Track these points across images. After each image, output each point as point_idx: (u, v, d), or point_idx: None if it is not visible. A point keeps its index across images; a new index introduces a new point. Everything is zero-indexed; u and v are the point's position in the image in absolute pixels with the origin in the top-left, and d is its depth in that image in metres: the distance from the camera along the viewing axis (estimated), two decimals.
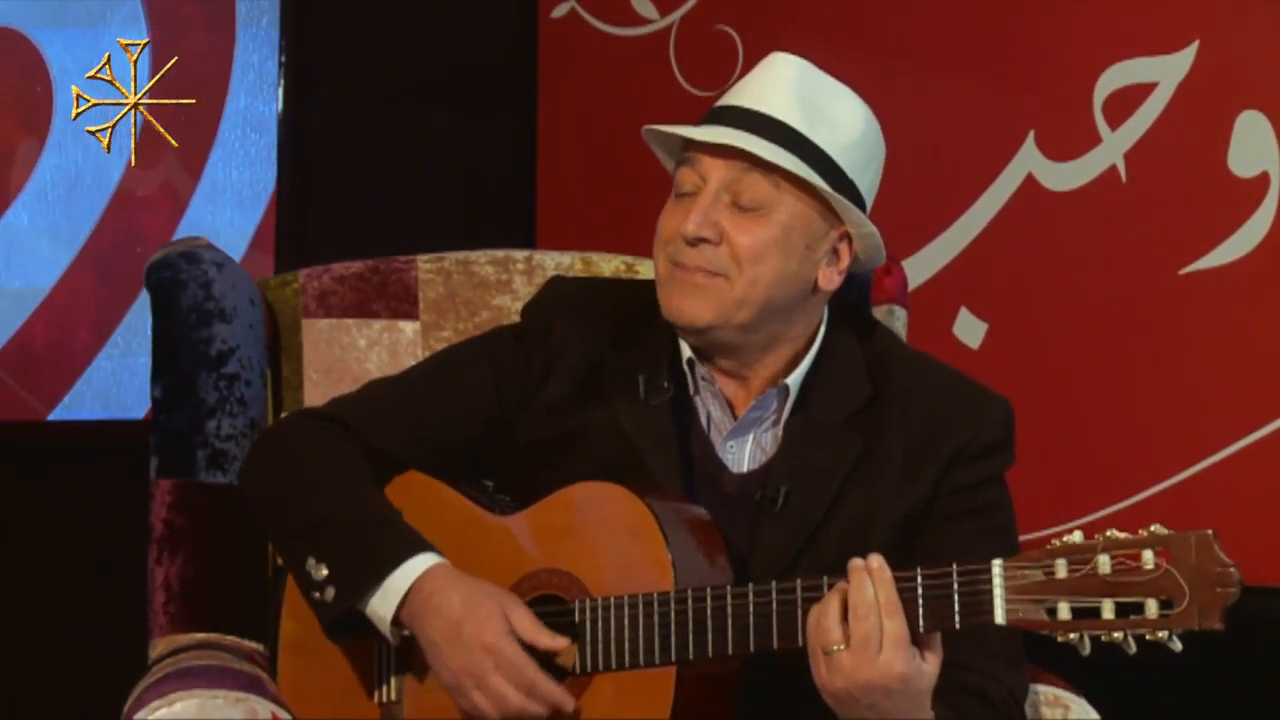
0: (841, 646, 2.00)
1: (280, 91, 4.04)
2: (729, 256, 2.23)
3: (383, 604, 2.19)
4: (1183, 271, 3.53)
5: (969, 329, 3.72)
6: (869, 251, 2.29)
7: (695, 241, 2.22)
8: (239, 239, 4.05)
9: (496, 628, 2.15)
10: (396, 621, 2.20)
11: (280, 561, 2.60)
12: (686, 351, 2.31)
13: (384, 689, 2.30)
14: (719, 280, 2.23)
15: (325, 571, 2.21)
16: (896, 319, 2.67)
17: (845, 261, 2.29)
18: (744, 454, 2.30)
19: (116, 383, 4.08)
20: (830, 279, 2.28)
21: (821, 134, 2.24)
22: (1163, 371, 3.54)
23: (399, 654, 2.29)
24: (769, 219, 2.23)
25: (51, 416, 4.05)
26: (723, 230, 2.23)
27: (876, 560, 2.02)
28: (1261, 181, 3.48)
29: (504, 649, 2.15)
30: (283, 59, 4.04)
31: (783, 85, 2.25)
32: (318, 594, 2.22)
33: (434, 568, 2.20)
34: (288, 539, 2.29)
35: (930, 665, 2.02)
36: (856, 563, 2.03)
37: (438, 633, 2.17)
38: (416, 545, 2.22)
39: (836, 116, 2.26)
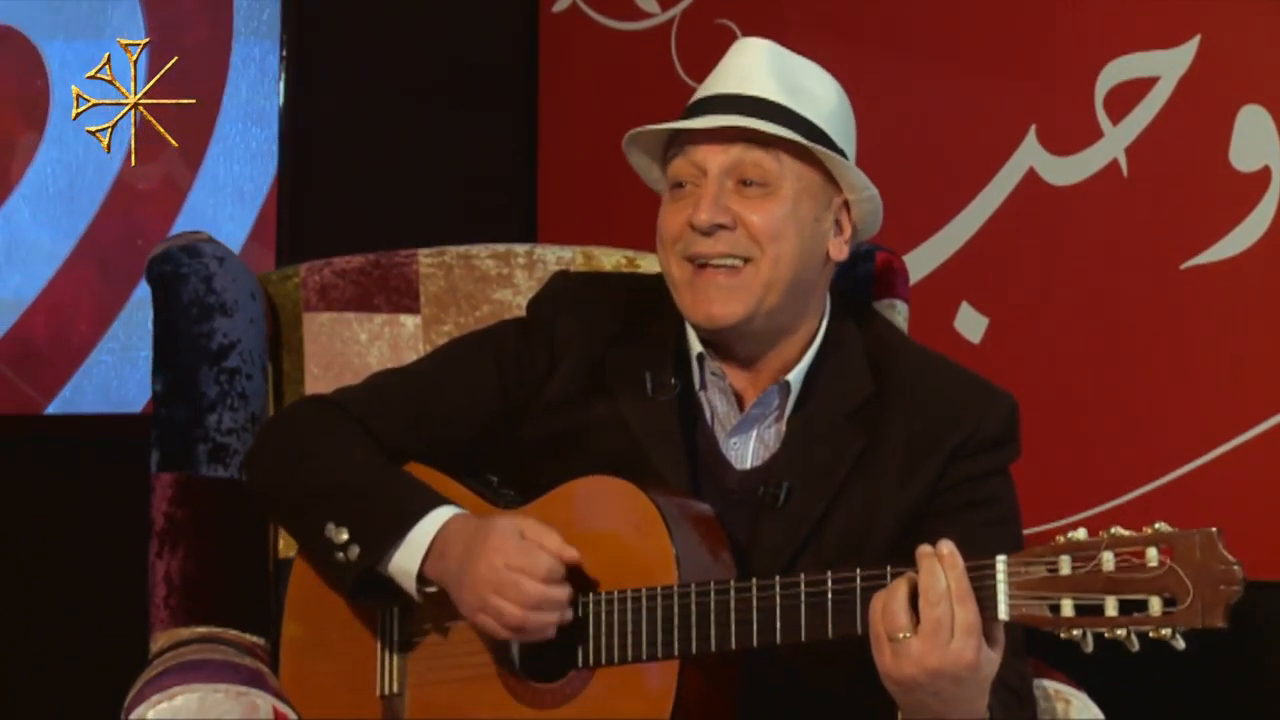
0: (908, 634, 2.00)
1: (281, 86, 4.04)
2: (747, 238, 2.23)
3: (407, 558, 2.20)
4: (1184, 266, 3.53)
5: (970, 323, 3.72)
6: (866, 219, 2.30)
7: (711, 230, 2.22)
8: (240, 233, 4.05)
9: (514, 544, 2.15)
10: (421, 577, 2.20)
11: (282, 555, 2.61)
12: (697, 346, 2.31)
13: (386, 682, 2.30)
14: (746, 269, 2.23)
15: (346, 534, 2.22)
16: (898, 313, 2.67)
17: (848, 231, 2.30)
18: (747, 450, 2.30)
19: (117, 375, 4.08)
20: (839, 249, 2.29)
21: (806, 107, 2.25)
22: (1164, 366, 3.54)
23: (401, 646, 2.30)
24: (778, 195, 2.24)
25: (50, 409, 4.05)
26: (735, 214, 2.23)
27: (947, 546, 2.01)
28: (1263, 176, 3.48)
29: (528, 558, 2.14)
30: (283, 53, 4.04)
31: (759, 66, 2.26)
32: (341, 554, 2.22)
33: (455, 518, 2.21)
34: (302, 509, 2.29)
35: (995, 653, 2.01)
36: (925, 549, 2.01)
37: (454, 560, 2.17)
38: (434, 499, 2.23)
39: (814, 90, 2.27)
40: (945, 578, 1.99)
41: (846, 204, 2.29)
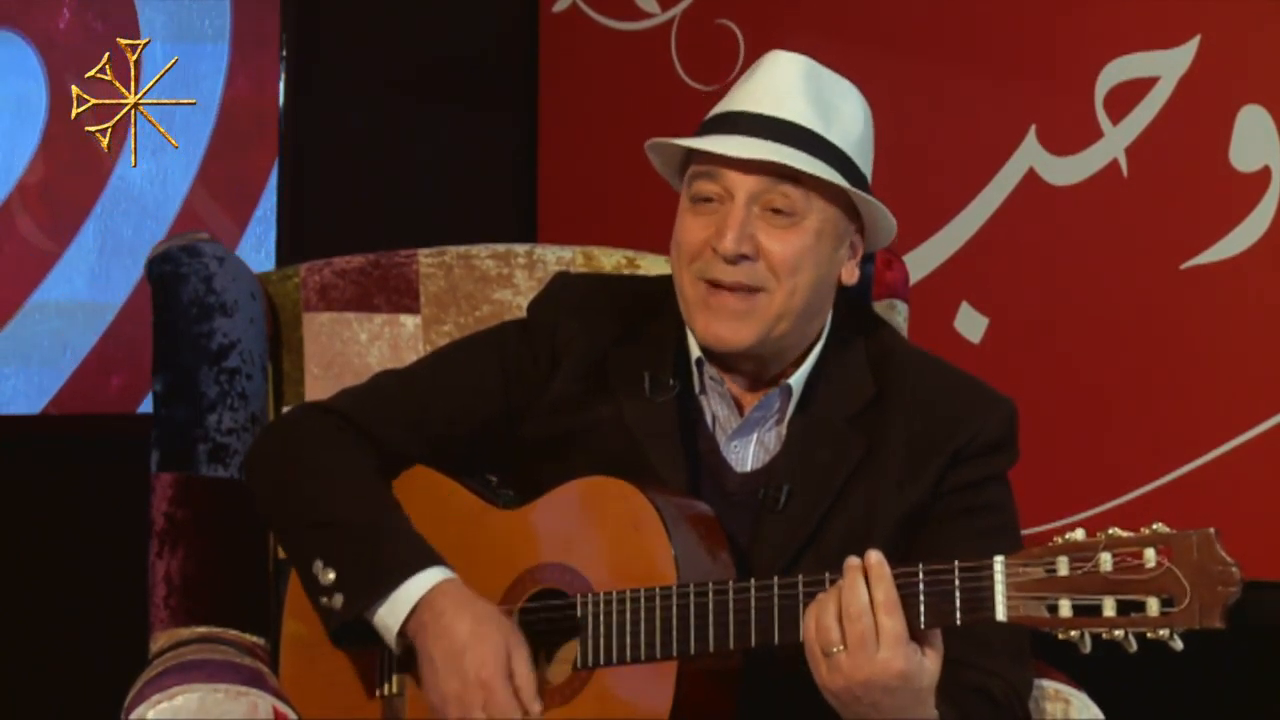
0: (841, 647, 2.00)
1: (281, 85, 4.04)
2: (766, 269, 2.21)
3: (390, 614, 2.19)
4: (1184, 266, 3.53)
5: (970, 323, 3.72)
6: (876, 240, 2.31)
7: (735, 259, 2.21)
8: (239, 232, 4.05)
9: (496, 665, 2.15)
10: (402, 632, 2.20)
11: (282, 555, 2.60)
12: (695, 351, 2.31)
13: (386, 683, 2.30)
14: (759, 297, 2.22)
15: (333, 576, 2.21)
16: (898, 314, 2.67)
17: (859, 254, 2.30)
18: (747, 453, 2.30)
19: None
20: (851, 274, 2.30)
21: (837, 133, 2.23)
22: (1164, 366, 3.54)
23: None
24: (802, 227, 2.22)
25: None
26: (759, 245, 2.21)
27: (875, 556, 2.02)
28: (1263, 176, 3.48)
29: (497, 689, 2.15)
30: (283, 52, 4.04)
31: (794, 86, 2.24)
32: (325, 599, 2.22)
33: (444, 583, 2.19)
34: (294, 538, 2.29)
35: (931, 662, 2.01)
36: (852, 561, 2.02)
37: (439, 653, 2.17)
38: (426, 557, 2.21)
39: (844, 112, 2.25)
40: (868, 590, 2.00)
41: (861, 229, 2.29)
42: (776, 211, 2.21)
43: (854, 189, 2.22)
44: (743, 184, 2.21)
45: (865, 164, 2.26)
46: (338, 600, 2.21)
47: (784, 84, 2.24)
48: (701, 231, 2.23)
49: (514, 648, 2.17)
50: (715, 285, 2.22)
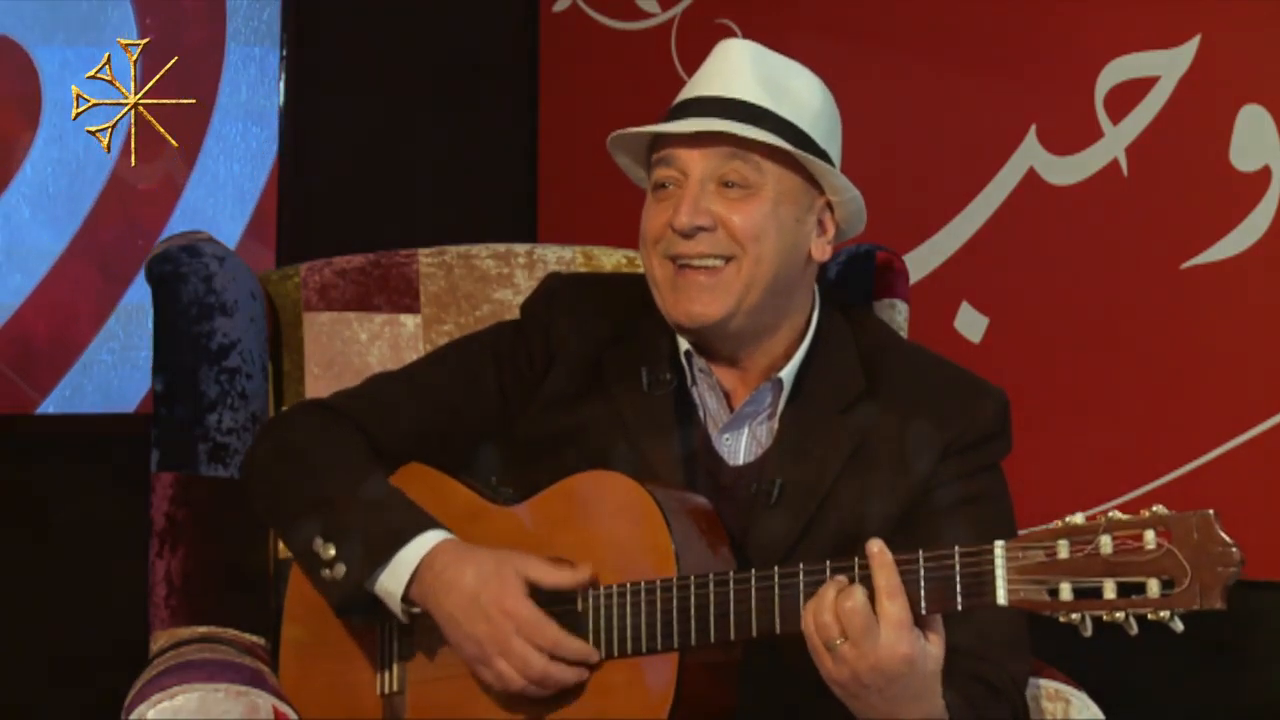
0: (842, 639, 2.00)
1: (281, 85, 4.04)
2: (728, 238, 2.24)
3: (392, 580, 2.20)
4: (1184, 266, 3.53)
5: (970, 323, 3.72)
6: (850, 219, 2.32)
7: (692, 232, 2.23)
8: (239, 233, 4.05)
9: (514, 592, 2.16)
10: (406, 599, 2.20)
11: (282, 555, 2.61)
12: (684, 344, 2.32)
13: (386, 681, 2.30)
14: (727, 269, 2.24)
15: (333, 550, 2.22)
16: (898, 313, 2.68)
17: (831, 231, 2.31)
18: (740, 446, 2.31)
19: (118, 375, 4.08)
20: (822, 250, 2.31)
21: (788, 109, 2.26)
22: (1164, 366, 3.54)
23: (402, 645, 2.30)
24: (759, 196, 2.25)
25: (47, 409, 4.05)
26: (716, 215, 2.24)
27: (877, 544, 2.02)
28: (1263, 176, 3.48)
29: (523, 612, 2.15)
30: (284, 52, 4.04)
31: (741, 69, 2.28)
32: (326, 572, 2.22)
33: (443, 543, 2.20)
34: (293, 521, 2.29)
35: (934, 646, 2.02)
36: (869, 548, 2.02)
37: (454, 606, 2.17)
38: (424, 522, 2.23)
39: (796, 91, 2.28)
40: (870, 577, 2.00)
41: (830, 204, 2.30)
42: (731, 185, 2.24)
43: (800, 151, 2.24)
44: (695, 163, 2.25)
45: (826, 140, 2.28)
46: (340, 570, 2.21)
47: (732, 67, 2.28)
48: (661, 215, 2.27)
49: (522, 565, 2.17)
50: (681, 265, 2.25)
